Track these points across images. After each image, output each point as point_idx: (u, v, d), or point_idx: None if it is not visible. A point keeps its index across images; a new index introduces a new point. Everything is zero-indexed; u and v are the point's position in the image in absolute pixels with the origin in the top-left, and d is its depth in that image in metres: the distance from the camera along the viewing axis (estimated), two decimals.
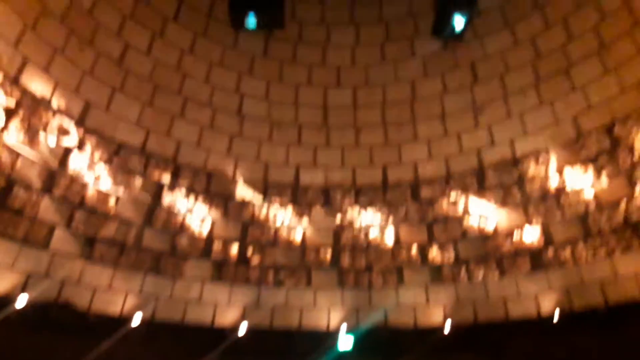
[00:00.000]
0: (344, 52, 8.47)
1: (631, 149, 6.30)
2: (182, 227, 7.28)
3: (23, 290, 5.72)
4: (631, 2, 6.40)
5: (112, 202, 6.70)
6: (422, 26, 8.12)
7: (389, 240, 7.70)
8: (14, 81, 5.80)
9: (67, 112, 6.39)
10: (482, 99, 7.77)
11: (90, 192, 6.49)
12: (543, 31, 7.32)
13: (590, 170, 6.65)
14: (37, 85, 6.06)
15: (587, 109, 6.85)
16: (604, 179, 6.50)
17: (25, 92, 5.89)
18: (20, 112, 5.83)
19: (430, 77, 8.14)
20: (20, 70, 5.87)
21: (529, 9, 7.43)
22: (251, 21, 6.38)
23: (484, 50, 7.83)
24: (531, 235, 7.01)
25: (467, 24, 6.36)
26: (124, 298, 6.64)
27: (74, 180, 6.33)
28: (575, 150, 6.84)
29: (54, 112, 6.23)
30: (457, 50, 7.99)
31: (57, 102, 6.29)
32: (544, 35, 7.32)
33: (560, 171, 6.95)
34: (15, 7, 5.76)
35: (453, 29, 6.33)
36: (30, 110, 5.91)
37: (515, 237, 7.11)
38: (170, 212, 7.21)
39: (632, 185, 6.23)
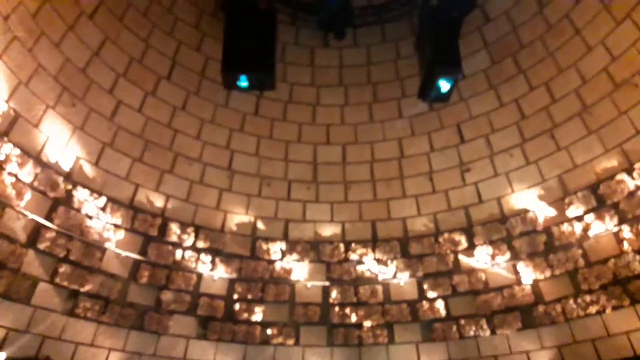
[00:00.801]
0: (333, 111, 8.67)
1: (616, 208, 6.40)
2: (168, 282, 7.15)
3: (2, 345, 5.49)
4: (610, 68, 6.66)
5: (97, 256, 6.60)
6: (408, 89, 8.36)
7: (379, 296, 7.62)
8: (4, 135, 5.82)
9: (56, 167, 6.38)
10: (469, 158, 7.93)
11: (76, 245, 6.38)
12: (527, 94, 7.56)
13: (578, 228, 6.71)
14: (27, 139, 6.08)
15: (572, 169, 7.01)
16: (592, 237, 6.56)
17: (14, 146, 5.90)
18: (8, 166, 5.82)
19: (417, 136, 8.32)
20: (11, 125, 5.91)
21: (513, 73, 7.70)
22: (243, 82, 6.53)
23: (469, 111, 8.05)
24: (521, 291, 6.97)
25: (453, 87, 6.58)
26: (106, 355, 6.40)
27: (60, 233, 6.25)
28: (562, 208, 6.93)
29: (43, 166, 6.23)
30: (443, 112, 8.20)
31: (46, 156, 6.30)
32: (527, 97, 7.55)
33: (548, 229, 7.01)
34: (10, 63, 5.87)
35: (439, 92, 6.53)
36: (18, 165, 5.91)
37: (506, 293, 7.07)
38: (156, 267, 7.09)
39: (619, 242, 6.30)
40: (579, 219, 6.74)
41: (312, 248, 7.96)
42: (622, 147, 6.49)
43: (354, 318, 7.51)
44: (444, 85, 6.61)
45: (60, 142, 6.50)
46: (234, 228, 7.85)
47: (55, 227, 6.23)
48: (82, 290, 6.37)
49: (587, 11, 6.88)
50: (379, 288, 7.67)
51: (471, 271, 7.41)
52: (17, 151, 5.93)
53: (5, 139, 5.84)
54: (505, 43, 7.75)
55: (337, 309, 7.58)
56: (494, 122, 7.81)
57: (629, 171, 6.36)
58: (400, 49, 8.59)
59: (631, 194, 6.30)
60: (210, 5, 8.07)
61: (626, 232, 6.25)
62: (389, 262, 7.79)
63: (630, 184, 6.32)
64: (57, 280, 6.17)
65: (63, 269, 6.24)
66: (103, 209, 6.82)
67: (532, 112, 7.47)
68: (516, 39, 7.65)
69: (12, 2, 5.80)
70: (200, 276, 7.41)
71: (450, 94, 6.81)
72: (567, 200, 6.90)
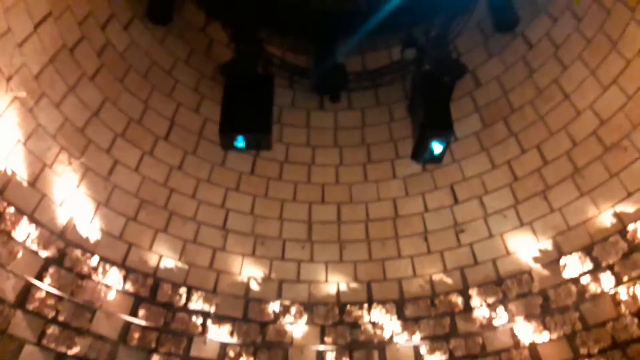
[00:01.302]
0: (328, 171, 8.74)
1: (612, 269, 6.38)
2: (158, 345, 6.96)
3: None
4: (599, 132, 6.82)
5: (87, 316, 6.45)
6: (402, 150, 8.50)
7: None
8: None
9: (49, 225, 6.34)
10: (463, 219, 7.95)
11: (66, 306, 6.26)
12: (519, 156, 7.68)
13: (574, 290, 6.66)
14: (22, 198, 6.06)
15: (566, 231, 7.01)
16: (588, 299, 6.50)
17: (8, 204, 5.88)
18: (1, 224, 5.79)
19: (411, 196, 8.37)
20: (6, 183, 5.90)
21: (504, 136, 7.85)
22: (240, 143, 6.66)
23: (462, 173, 8.13)
24: (519, 355, 6.82)
25: (445, 149, 6.73)
26: None
27: (50, 294, 6.14)
28: (558, 270, 6.90)
29: (37, 225, 6.20)
30: (436, 173, 8.29)
31: (40, 215, 6.26)
32: (519, 160, 7.67)
33: (544, 291, 6.95)
34: (9, 122, 5.94)
35: (432, 154, 6.67)
36: (11, 223, 5.89)
37: (504, 357, 6.91)
38: (146, 329, 6.93)
39: (616, 305, 6.23)
40: (575, 281, 6.70)
41: (307, 309, 7.81)
42: (614, 209, 6.53)
43: None
44: (437, 147, 6.73)
45: (55, 201, 6.49)
46: (227, 289, 7.73)
47: (45, 287, 6.13)
48: (69, 353, 6.17)
49: (574, 77, 7.11)
50: (375, 353, 7.48)
51: (468, 335, 7.26)
52: (11, 209, 5.91)
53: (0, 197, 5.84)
54: (496, 107, 7.96)
55: None
56: (487, 184, 7.89)
57: (623, 233, 6.37)
58: (394, 111, 8.79)
59: (625, 255, 6.29)
60: (210, 69, 8.29)
61: (623, 294, 6.20)
62: (384, 325, 7.65)
63: (624, 245, 6.33)
64: (44, 342, 5.99)
65: (51, 330, 6.07)
66: (95, 268, 6.74)
67: (525, 174, 7.56)
68: (507, 103, 7.86)
69: (16, 64, 5.94)
70: (191, 339, 7.23)
71: (443, 156, 6.92)
72: (562, 262, 6.88)
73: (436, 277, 7.82)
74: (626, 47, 6.40)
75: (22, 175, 6.12)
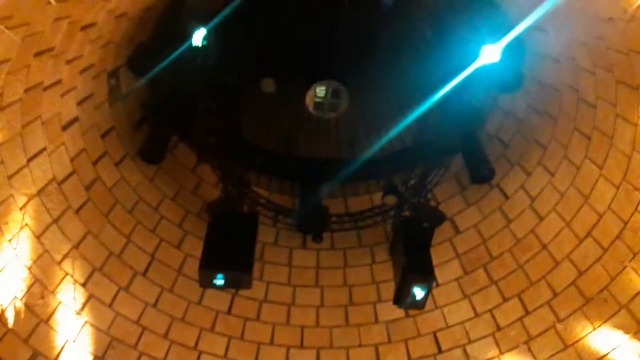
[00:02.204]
0: (309, 312, 8.51)
1: None
2: None
3: None
4: (578, 282, 6.86)
5: None
6: (384, 293, 8.36)
7: None
8: None
9: None
10: None
11: None
12: (500, 305, 7.61)
13: None
14: None
15: None
16: None
17: None
18: None
19: (394, 343, 8.09)
20: None
21: (485, 284, 7.84)
22: (219, 281, 6.59)
23: (445, 320, 7.97)
24: None
25: (427, 295, 6.71)
26: None
27: None
28: None
29: None
30: (419, 319, 8.10)
31: (1, 353, 5.92)
32: (501, 308, 7.59)
33: None
34: None
35: (414, 299, 6.64)
36: None
37: None
38: None
39: None
40: None
41: None
42: None
43: None
44: (419, 293, 6.72)
45: (21, 337, 6.18)
46: None
47: None
48: None
49: (551, 228, 7.28)
50: None
51: None
52: None
53: None
54: (476, 254, 8.03)
55: None
56: (470, 333, 7.71)
57: None
58: (376, 253, 8.81)
59: None
60: (196, 206, 8.40)
61: None
62: None
63: None
64: None
65: None
66: None
67: (507, 324, 7.44)
68: (486, 251, 7.95)
69: (2, 195, 5.94)
70: None
71: (425, 301, 6.87)
72: None
73: None
74: (597, 202, 6.65)
75: None
